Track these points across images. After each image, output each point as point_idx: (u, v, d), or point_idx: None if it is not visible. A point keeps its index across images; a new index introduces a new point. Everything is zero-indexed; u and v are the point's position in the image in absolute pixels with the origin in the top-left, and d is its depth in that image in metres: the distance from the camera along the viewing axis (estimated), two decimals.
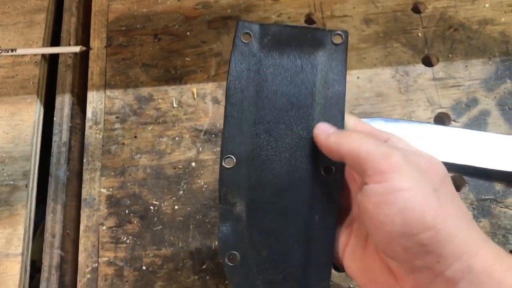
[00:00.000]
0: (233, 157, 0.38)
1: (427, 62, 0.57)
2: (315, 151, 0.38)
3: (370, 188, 0.31)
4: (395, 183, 0.30)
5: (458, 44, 0.57)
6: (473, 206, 0.50)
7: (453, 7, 0.59)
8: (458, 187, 0.52)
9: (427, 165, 0.33)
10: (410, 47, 0.57)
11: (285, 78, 0.39)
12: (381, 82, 0.56)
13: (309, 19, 0.60)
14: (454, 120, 0.54)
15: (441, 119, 0.54)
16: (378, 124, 0.53)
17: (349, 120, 0.38)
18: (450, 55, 0.57)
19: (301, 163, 0.38)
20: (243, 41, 0.39)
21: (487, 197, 0.51)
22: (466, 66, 0.56)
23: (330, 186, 0.38)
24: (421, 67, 0.56)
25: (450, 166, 0.51)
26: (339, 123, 0.38)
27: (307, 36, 0.39)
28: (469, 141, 0.52)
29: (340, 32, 0.39)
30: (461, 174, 0.51)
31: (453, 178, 0.52)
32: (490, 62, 0.56)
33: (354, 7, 0.60)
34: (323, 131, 0.37)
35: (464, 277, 0.29)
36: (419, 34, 0.58)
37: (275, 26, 0.39)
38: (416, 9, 0.59)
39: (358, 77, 0.57)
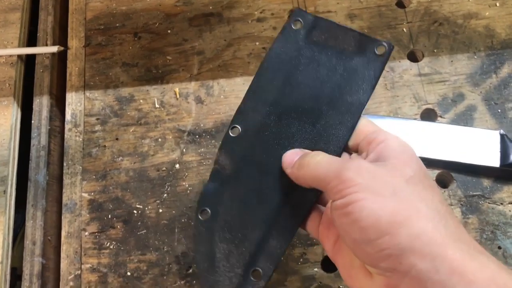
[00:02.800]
0: (239, 127, 0.40)
1: (413, 57, 0.56)
2: (312, 147, 0.39)
3: (333, 204, 0.33)
4: (350, 197, 0.31)
5: (443, 39, 0.56)
6: (461, 202, 0.50)
7: (437, 1, 0.58)
8: (445, 184, 0.51)
9: (395, 165, 0.33)
10: (395, 42, 0.57)
11: (315, 72, 0.40)
12: None
13: None
14: (440, 116, 0.53)
15: (428, 115, 0.54)
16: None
17: (361, 121, 0.39)
18: (435, 50, 0.56)
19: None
20: (292, 27, 0.41)
21: (475, 193, 0.50)
22: (452, 61, 0.55)
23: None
24: (406, 62, 0.56)
25: (437, 163, 0.51)
26: (347, 131, 0.38)
27: (353, 39, 0.40)
28: (456, 137, 0.51)
29: (385, 44, 0.39)
30: (448, 170, 0.51)
31: (440, 175, 0.51)
32: (475, 57, 0.55)
33: (338, 2, 0.59)
34: (288, 164, 0.38)
35: (431, 277, 0.29)
36: (404, 29, 0.57)
37: (327, 21, 0.41)
38: (400, 4, 0.59)
39: None
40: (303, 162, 0.36)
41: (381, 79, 0.54)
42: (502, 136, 0.50)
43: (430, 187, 0.33)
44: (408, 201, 0.31)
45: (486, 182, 0.51)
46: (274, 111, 0.40)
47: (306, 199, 0.39)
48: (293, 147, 0.39)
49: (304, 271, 0.49)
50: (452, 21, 0.57)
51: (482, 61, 0.55)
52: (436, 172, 0.51)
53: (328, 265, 0.49)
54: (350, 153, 0.40)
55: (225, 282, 0.38)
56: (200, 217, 0.40)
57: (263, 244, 0.39)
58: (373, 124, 0.39)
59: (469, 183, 0.51)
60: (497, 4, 0.57)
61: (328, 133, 0.39)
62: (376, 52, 0.39)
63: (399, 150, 0.34)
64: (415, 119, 0.53)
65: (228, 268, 0.39)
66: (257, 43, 0.58)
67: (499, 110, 0.53)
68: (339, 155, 0.38)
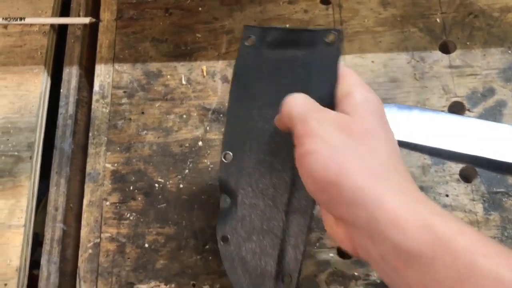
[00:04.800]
0: (230, 153, 0.42)
1: (445, 49, 0.55)
2: None
3: (295, 150, 0.35)
4: (306, 147, 0.33)
5: (477, 31, 0.55)
6: (484, 198, 0.49)
7: None
8: (469, 179, 0.50)
9: (354, 119, 0.34)
10: (428, 32, 0.56)
11: (282, 79, 0.41)
12: (396, 67, 0.55)
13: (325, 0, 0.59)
14: (469, 110, 0.52)
15: (456, 108, 0.53)
16: (391, 111, 0.52)
17: (342, 70, 0.38)
18: (468, 43, 0.55)
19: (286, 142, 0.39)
20: (246, 44, 0.43)
21: (498, 190, 0.49)
22: (484, 55, 0.54)
23: None
24: (437, 53, 0.55)
25: (462, 157, 0.50)
26: None
27: (304, 37, 0.41)
28: (483, 132, 0.50)
29: (333, 32, 0.40)
30: (473, 165, 0.50)
31: (464, 169, 0.51)
32: (509, 52, 0.54)
33: None
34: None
35: (373, 227, 0.30)
36: (438, 19, 0.56)
37: (276, 29, 0.42)
38: None
39: (372, 61, 0.55)
40: (285, 102, 0.36)
41: (410, 68, 0.54)
42: None
43: (384, 142, 0.34)
44: (356, 155, 0.32)
45: (511, 180, 0.50)
46: (256, 113, 0.41)
47: None
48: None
49: (320, 255, 0.49)
50: (488, 13, 0.56)
51: None
52: (460, 166, 0.50)
53: (344, 251, 0.49)
54: None
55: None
56: (224, 160, 0.42)
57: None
58: (350, 76, 0.37)
59: (493, 179, 0.50)
60: None
61: None
62: (327, 41, 0.40)
63: (361, 104, 0.35)
64: (442, 111, 0.52)
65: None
66: (287, 25, 0.57)
67: None
68: None
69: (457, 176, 0.50)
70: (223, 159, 0.42)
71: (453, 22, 0.56)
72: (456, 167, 0.51)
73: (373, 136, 0.33)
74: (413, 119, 0.52)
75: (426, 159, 0.51)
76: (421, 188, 0.50)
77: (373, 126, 0.34)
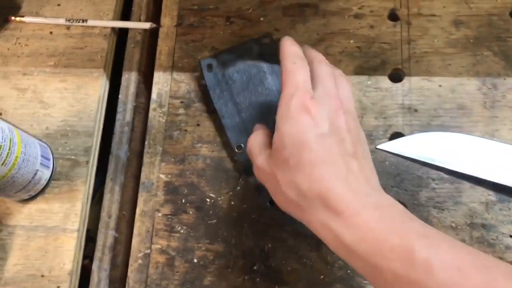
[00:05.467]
0: (242, 145, 0.52)
1: None
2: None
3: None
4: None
5: None
6: None
7: None
8: None
9: (277, 155, 0.40)
10: (503, 57, 0.52)
11: (246, 83, 0.53)
12: (465, 93, 0.52)
13: (393, 14, 0.56)
14: None
15: None
16: (456, 139, 0.49)
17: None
18: None
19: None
20: (208, 71, 0.54)
21: None
22: None
23: None
24: None
25: None
26: None
27: (247, 47, 0.54)
28: None
29: (267, 36, 0.55)
30: None
31: None
32: None
33: (444, 6, 0.55)
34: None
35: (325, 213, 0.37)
36: None
37: (226, 50, 0.55)
38: None
39: (440, 85, 0.52)
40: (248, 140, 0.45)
41: (480, 96, 0.51)
42: None
43: (338, 139, 0.39)
44: (286, 184, 0.39)
45: None
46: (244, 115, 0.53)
47: None
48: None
49: (369, 287, 0.48)
50: None
51: None
52: None
53: None
54: None
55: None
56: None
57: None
58: (292, 80, 0.41)
59: None
60: None
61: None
62: (263, 42, 0.55)
63: (283, 137, 0.40)
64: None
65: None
66: (351, 41, 0.55)
67: None
68: None
69: None
70: (237, 151, 0.52)
71: None
72: None
73: (293, 165, 0.38)
74: (478, 151, 0.49)
75: (491, 195, 0.48)
76: (483, 226, 0.47)
77: (289, 156, 0.38)
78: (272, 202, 0.49)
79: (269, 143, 0.42)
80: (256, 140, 0.44)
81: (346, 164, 0.38)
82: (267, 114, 0.52)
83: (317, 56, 0.44)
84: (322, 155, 0.37)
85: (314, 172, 0.37)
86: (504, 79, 0.51)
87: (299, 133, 0.38)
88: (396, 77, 0.53)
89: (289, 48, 0.43)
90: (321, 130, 0.38)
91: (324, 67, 0.43)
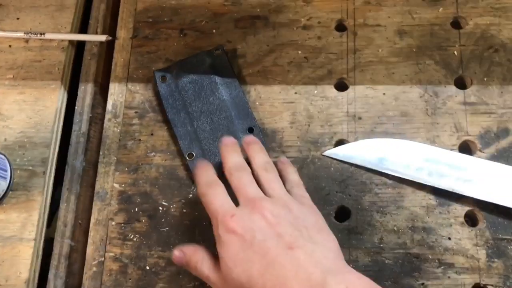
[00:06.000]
0: (193, 153, 0.54)
1: (460, 84, 0.54)
2: (238, 120, 0.54)
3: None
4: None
5: (497, 66, 0.53)
6: (488, 244, 0.48)
7: (497, 25, 0.55)
8: (474, 223, 0.49)
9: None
10: (444, 65, 0.54)
11: (198, 92, 0.55)
12: (407, 101, 0.53)
13: (340, 25, 0.58)
14: (480, 150, 0.51)
15: (467, 148, 0.51)
16: (398, 146, 0.51)
17: None
18: (485, 79, 0.53)
19: (232, 128, 0.54)
20: (161, 82, 0.56)
21: (504, 237, 0.48)
22: (502, 92, 0.52)
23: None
24: (452, 88, 0.53)
25: (468, 199, 0.49)
26: (249, 116, 0.54)
27: (199, 59, 0.56)
28: (493, 175, 0.49)
29: (219, 49, 0.57)
30: (480, 209, 0.49)
31: (470, 212, 0.49)
32: None
33: (389, 17, 0.57)
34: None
35: None
36: (455, 52, 0.54)
37: (178, 62, 0.57)
38: (456, 24, 0.56)
39: (384, 93, 0.54)
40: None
41: (422, 103, 0.52)
42: None
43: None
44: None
45: None
46: (197, 123, 0.55)
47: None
48: (228, 127, 0.54)
49: None
50: (510, 48, 0.54)
51: None
52: (466, 209, 0.49)
53: None
54: None
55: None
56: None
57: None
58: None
59: (499, 225, 0.48)
60: None
61: (232, 122, 0.54)
62: (215, 54, 0.56)
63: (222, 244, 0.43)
64: (452, 149, 0.51)
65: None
66: (299, 52, 0.57)
67: None
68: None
69: (462, 219, 0.49)
70: (188, 159, 0.54)
71: (472, 55, 0.54)
72: (461, 210, 0.49)
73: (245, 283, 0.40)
74: (420, 157, 0.50)
75: (431, 199, 0.50)
76: (424, 229, 0.49)
77: (237, 277, 0.40)
78: None
79: (214, 259, 0.44)
80: (204, 264, 0.45)
81: (291, 259, 0.38)
82: (218, 123, 0.54)
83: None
84: (265, 263, 0.39)
85: (266, 283, 0.38)
86: (445, 86, 0.53)
87: (235, 254, 0.40)
88: (341, 86, 0.55)
89: (200, 173, 0.47)
90: (253, 240, 0.40)
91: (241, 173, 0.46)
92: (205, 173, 0.47)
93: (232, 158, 0.47)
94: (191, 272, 0.46)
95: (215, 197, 0.44)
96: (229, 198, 0.44)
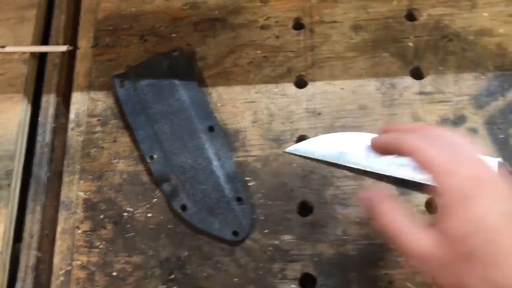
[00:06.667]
0: (154, 155, 0.54)
1: (416, 74, 0.54)
2: (198, 119, 0.54)
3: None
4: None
5: (451, 55, 0.54)
6: None
7: (450, 15, 0.55)
8: (435, 210, 0.50)
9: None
10: (399, 57, 0.55)
11: (157, 95, 0.56)
12: (365, 94, 0.54)
13: (298, 24, 0.58)
14: None
15: None
16: (356, 139, 0.51)
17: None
18: (441, 68, 0.54)
19: (192, 128, 0.54)
20: (120, 87, 0.56)
21: None
22: (457, 80, 0.53)
23: (215, 137, 0.54)
24: (408, 79, 0.54)
25: (428, 188, 0.49)
26: (209, 115, 0.54)
27: (157, 62, 0.57)
28: None
29: (177, 50, 0.57)
30: None
31: (430, 201, 0.50)
32: (482, 77, 0.53)
33: (344, 12, 0.57)
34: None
35: None
36: (410, 43, 0.55)
37: (137, 65, 0.57)
38: (410, 16, 0.56)
39: (342, 88, 0.55)
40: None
41: (379, 95, 0.53)
42: (500, 164, 0.48)
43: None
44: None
45: None
46: (158, 125, 0.55)
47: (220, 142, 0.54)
48: (187, 127, 0.54)
49: (282, 287, 0.49)
50: (463, 37, 0.54)
51: (489, 82, 0.52)
52: (427, 197, 0.50)
53: (307, 283, 0.49)
54: None
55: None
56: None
57: None
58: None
59: None
60: None
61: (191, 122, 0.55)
62: (174, 55, 0.57)
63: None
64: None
65: None
66: (258, 52, 0.57)
67: (502, 136, 0.50)
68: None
69: (423, 207, 0.49)
70: (150, 161, 0.54)
71: (426, 46, 0.55)
72: (422, 198, 0.50)
73: (483, 258, 0.32)
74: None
75: (393, 190, 0.50)
76: None
77: (475, 247, 0.32)
78: (184, 208, 0.51)
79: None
80: (399, 215, 0.36)
81: None
82: (178, 124, 0.54)
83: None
84: None
85: None
86: (401, 78, 0.54)
87: (483, 217, 0.32)
88: (301, 83, 0.56)
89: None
90: (504, 206, 0.32)
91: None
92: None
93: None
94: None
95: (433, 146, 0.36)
96: None
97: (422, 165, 0.35)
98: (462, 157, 0.34)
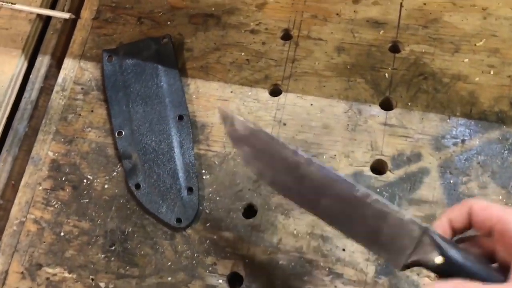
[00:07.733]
0: (122, 131, 0.57)
1: (385, 105, 0.55)
2: (170, 107, 0.57)
3: None
4: None
5: (422, 93, 0.55)
6: (379, 261, 0.49)
7: (431, 54, 0.56)
8: None
9: None
10: (373, 85, 0.56)
11: (139, 75, 0.59)
12: (332, 114, 0.55)
13: (286, 34, 0.60)
14: (390, 170, 0.52)
15: (378, 167, 0.53)
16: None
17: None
18: (409, 103, 0.55)
19: (163, 113, 0.57)
20: (107, 62, 0.60)
21: None
22: (422, 119, 0.54)
23: (183, 126, 0.56)
24: (376, 108, 0.55)
25: None
26: (182, 105, 0.57)
27: (146, 44, 0.60)
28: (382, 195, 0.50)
29: (166, 37, 0.60)
30: None
31: None
32: (448, 120, 0.53)
33: (332, 32, 0.59)
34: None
35: None
36: (386, 74, 0.56)
37: (126, 45, 0.61)
38: (394, 48, 0.57)
39: (311, 104, 0.56)
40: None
41: (345, 118, 0.54)
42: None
43: None
44: None
45: None
46: (134, 105, 0.58)
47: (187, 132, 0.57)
48: (159, 113, 0.57)
49: (210, 280, 0.51)
50: (438, 78, 0.55)
51: (453, 127, 0.53)
52: None
53: (234, 281, 0.51)
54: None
55: None
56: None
57: None
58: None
59: None
60: (491, 72, 0.54)
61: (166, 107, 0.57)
62: (162, 43, 0.59)
63: None
64: (364, 166, 0.53)
65: None
66: (242, 54, 0.59)
67: (452, 181, 0.51)
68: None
69: None
70: (117, 136, 0.57)
71: (401, 80, 0.56)
72: None
73: None
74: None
75: None
76: (321, 237, 0.51)
77: None
78: (138, 186, 0.54)
79: None
80: None
81: None
82: (151, 107, 0.57)
83: None
84: None
85: None
86: (370, 105, 0.55)
87: None
88: (275, 92, 0.57)
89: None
90: None
91: None
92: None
93: None
94: None
95: None
96: None
97: None
98: None
